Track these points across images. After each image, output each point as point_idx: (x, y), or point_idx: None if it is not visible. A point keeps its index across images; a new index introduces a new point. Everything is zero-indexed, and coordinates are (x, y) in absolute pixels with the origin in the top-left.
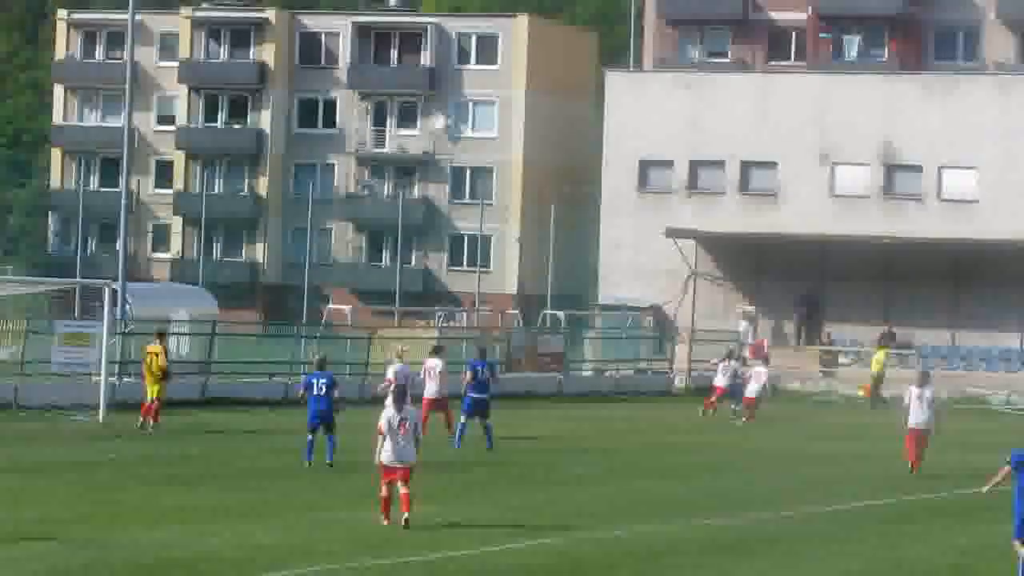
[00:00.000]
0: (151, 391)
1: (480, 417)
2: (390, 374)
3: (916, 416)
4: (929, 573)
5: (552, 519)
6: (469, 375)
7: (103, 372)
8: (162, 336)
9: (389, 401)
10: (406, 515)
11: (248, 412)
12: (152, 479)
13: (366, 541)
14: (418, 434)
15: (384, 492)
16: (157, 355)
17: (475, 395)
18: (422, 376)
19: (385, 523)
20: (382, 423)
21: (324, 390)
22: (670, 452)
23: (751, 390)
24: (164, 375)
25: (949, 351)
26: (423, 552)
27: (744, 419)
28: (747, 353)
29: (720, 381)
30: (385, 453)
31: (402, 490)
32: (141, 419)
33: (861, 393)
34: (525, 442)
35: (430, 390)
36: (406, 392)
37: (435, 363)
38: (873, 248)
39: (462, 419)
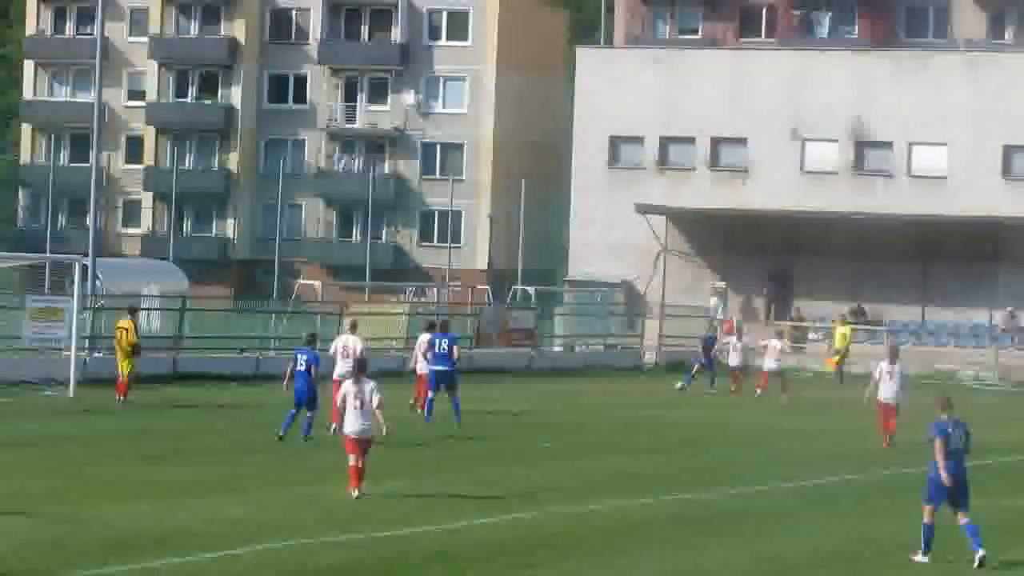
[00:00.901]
0: (122, 367)
1: (448, 390)
2: (337, 345)
3: (886, 391)
4: (901, 548)
5: (523, 494)
6: (426, 347)
7: (73, 347)
8: (134, 311)
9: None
10: (356, 491)
11: (219, 387)
12: (123, 454)
13: (338, 516)
14: (370, 406)
15: (352, 462)
16: (127, 330)
17: (438, 367)
18: (415, 352)
19: (355, 495)
20: (339, 395)
21: (303, 366)
22: (641, 428)
23: (769, 364)
24: (134, 350)
25: (919, 327)
26: (396, 527)
27: (760, 390)
28: (723, 329)
29: (735, 360)
30: (347, 425)
31: (358, 462)
32: (119, 396)
33: (830, 368)
34: (496, 417)
35: (424, 366)
36: (365, 365)
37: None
38: (843, 224)
39: (429, 393)
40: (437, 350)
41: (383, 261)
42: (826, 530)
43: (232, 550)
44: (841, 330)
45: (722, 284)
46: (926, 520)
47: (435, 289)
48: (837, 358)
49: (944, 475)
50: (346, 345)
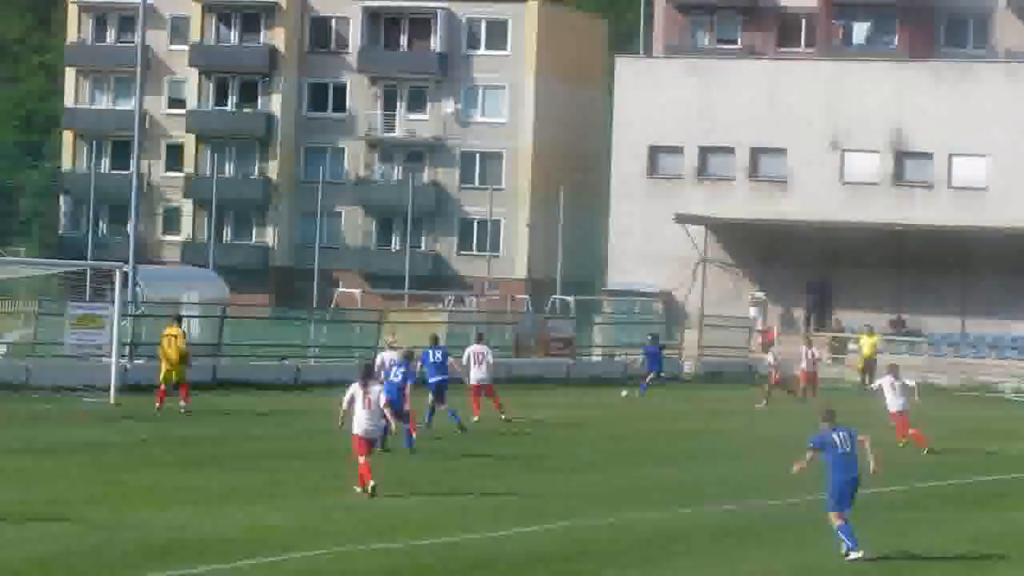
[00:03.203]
0: (171, 375)
1: (438, 402)
2: (384, 359)
3: (893, 403)
4: (939, 560)
5: (561, 504)
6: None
7: (114, 354)
8: (179, 320)
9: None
10: (364, 488)
11: (258, 395)
12: (162, 461)
13: (377, 524)
14: (380, 408)
15: (363, 460)
16: (176, 338)
17: (437, 379)
18: (465, 362)
19: (367, 490)
20: (346, 398)
21: (399, 377)
22: (679, 438)
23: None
24: (184, 358)
25: (959, 339)
26: (434, 535)
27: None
28: (763, 339)
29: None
30: (356, 425)
31: (369, 460)
32: (182, 403)
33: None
34: (535, 427)
35: (475, 376)
36: (372, 370)
37: (481, 349)
38: (883, 235)
39: (433, 403)
40: (431, 360)
41: (422, 270)
42: (863, 541)
43: (271, 557)
44: (870, 340)
45: (761, 295)
46: (838, 524)
47: (473, 298)
48: (860, 366)
49: (796, 467)
50: (478, 353)
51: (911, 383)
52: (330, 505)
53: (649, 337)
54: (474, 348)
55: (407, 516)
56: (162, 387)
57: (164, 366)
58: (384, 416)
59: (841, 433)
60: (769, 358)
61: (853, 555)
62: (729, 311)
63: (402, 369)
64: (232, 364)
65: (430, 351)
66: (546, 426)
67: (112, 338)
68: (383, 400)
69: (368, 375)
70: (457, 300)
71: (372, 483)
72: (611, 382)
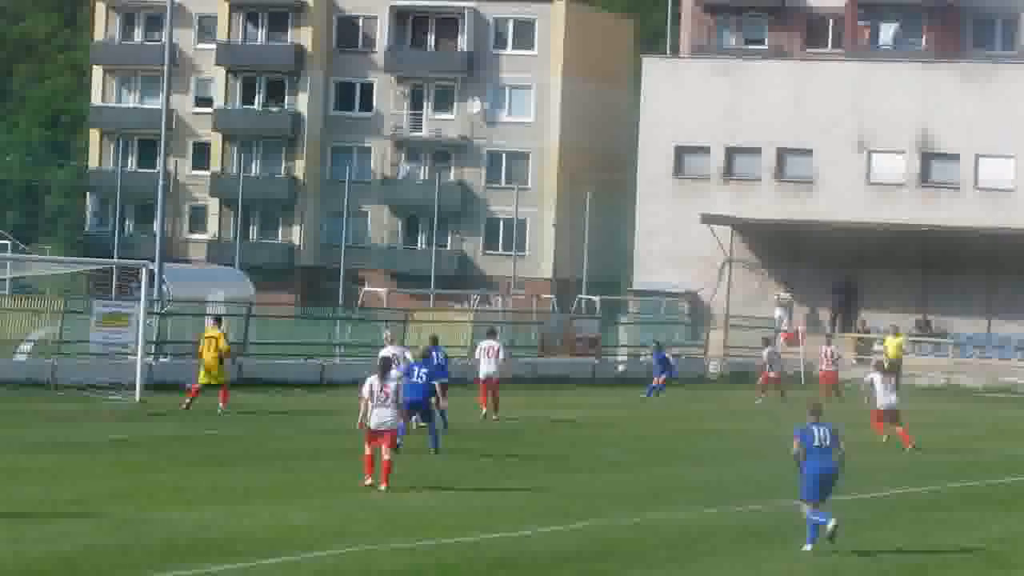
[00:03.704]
0: (211, 376)
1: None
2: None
3: (883, 399)
4: (964, 561)
5: (586, 504)
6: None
7: (139, 352)
8: (219, 321)
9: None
10: (384, 487)
11: (283, 393)
12: (187, 459)
13: (402, 523)
14: (399, 401)
15: (368, 452)
16: (216, 339)
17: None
18: (477, 356)
19: (368, 482)
20: (364, 390)
21: (424, 378)
22: (704, 438)
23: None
24: (223, 359)
25: (984, 340)
26: (458, 534)
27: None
28: (781, 339)
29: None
30: (372, 418)
31: (385, 456)
32: (220, 407)
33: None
34: (559, 426)
35: (485, 370)
36: (390, 364)
37: (493, 344)
38: (909, 236)
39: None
40: (436, 363)
41: (448, 269)
42: (888, 541)
43: (295, 556)
44: (896, 340)
45: (787, 295)
46: (809, 512)
47: (499, 297)
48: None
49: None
50: (488, 348)
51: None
52: (354, 504)
53: (654, 344)
54: (485, 343)
55: (431, 515)
56: (195, 386)
57: (204, 367)
58: (399, 412)
59: (823, 429)
60: (764, 355)
61: (807, 547)
62: (755, 312)
63: (424, 370)
64: (258, 363)
65: (433, 352)
66: (571, 426)
67: (138, 336)
68: (400, 395)
69: (387, 368)
70: (483, 300)
71: (369, 480)
72: (636, 382)
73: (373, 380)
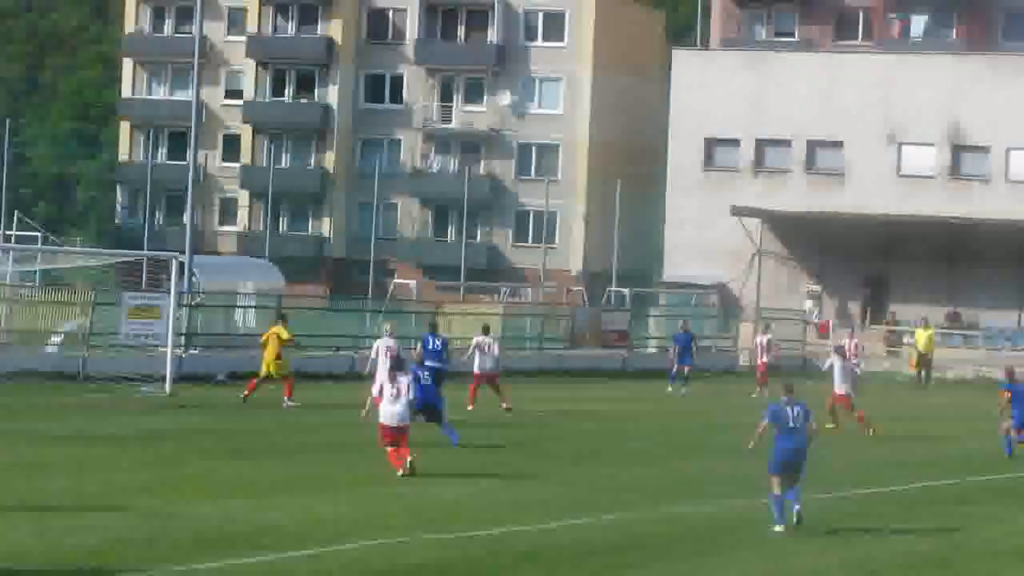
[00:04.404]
0: (272, 369)
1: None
2: (379, 346)
3: (840, 386)
4: (992, 555)
5: (612, 496)
6: (419, 348)
7: (169, 344)
8: (283, 317)
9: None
10: (400, 470)
11: (312, 385)
12: (215, 451)
13: (429, 515)
14: (410, 398)
15: (389, 448)
16: (278, 333)
17: (431, 364)
18: (472, 352)
19: (400, 472)
20: (375, 388)
21: (430, 381)
22: (733, 430)
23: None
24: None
25: (1014, 332)
26: (486, 527)
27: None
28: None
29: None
30: (383, 415)
31: (402, 450)
32: (286, 397)
33: (912, 370)
34: (588, 418)
35: (480, 365)
36: (403, 361)
37: (487, 339)
38: (939, 229)
39: None
40: (431, 347)
41: (478, 261)
42: (917, 534)
43: (322, 548)
44: (927, 333)
45: (816, 288)
46: (775, 491)
47: (529, 290)
48: (916, 360)
49: (750, 444)
50: (389, 347)
51: (858, 370)
52: (381, 496)
53: (680, 324)
54: (482, 339)
55: (457, 508)
56: (255, 381)
57: (265, 361)
58: (410, 408)
59: (796, 409)
60: (759, 340)
61: (777, 528)
62: (785, 304)
63: (427, 372)
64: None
65: (430, 338)
66: (598, 418)
67: (168, 328)
68: (413, 392)
69: (398, 367)
70: (512, 292)
71: (409, 459)
72: (666, 374)
73: (384, 380)
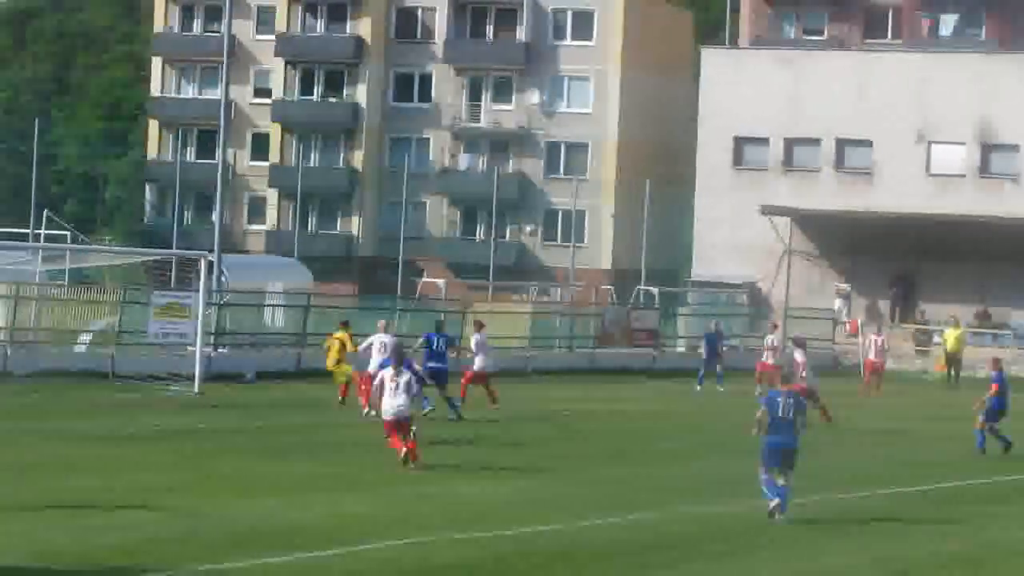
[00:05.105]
0: (342, 376)
1: (438, 388)
2: (373, 341)
3: (810, 378)
4: (1021, 555)
5: (645, 495)
6: (422, 344)
7: (198, 343)
8: (347, 323)
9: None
10: (413, 463)
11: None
12: (246, 450)
13: (460, 514)
14: (412, 392)
15: (392, 440)
16: (342, 339)
17: (433, 364)
18: (476, 350)
19: (409, 461)
20: (376, 383)
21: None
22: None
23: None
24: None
25: None
26: (515, 526)
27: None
28: (849, 330)
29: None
30: (386, 410)
31: (403, 441)
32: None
33: (939, 372)
34: (617, 417)
35: (479, 363)
36: (402, 355)
37: (484, 338)
38: (969, 227)
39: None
40: (436, 348)
41: (506, 260)
42: (948, 533)
43: (354, 547)
44: (957, 333)
45: (846, 286)
46: (763, 477)
47: (558, 288)
48: (943, 360)
49: (754, 430)
50: (383, 342)
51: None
52: (412, 495)
53: (710, 324)
54: (480, 336)
55: (488, 506)
56: (344, 386)
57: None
58: (412, 401)
59: (789, 399)
60: (769, 340)
61: (772, 504)
62: (814, 303)
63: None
64: (316, 353)
65: (435, 337)
66: (628, 417)
67: (197, 327)
68: (416, 388)
69: (400, 362)
70: (541, 291)
71: (403, 450)
72: (695, 373)
73: (387, 373)
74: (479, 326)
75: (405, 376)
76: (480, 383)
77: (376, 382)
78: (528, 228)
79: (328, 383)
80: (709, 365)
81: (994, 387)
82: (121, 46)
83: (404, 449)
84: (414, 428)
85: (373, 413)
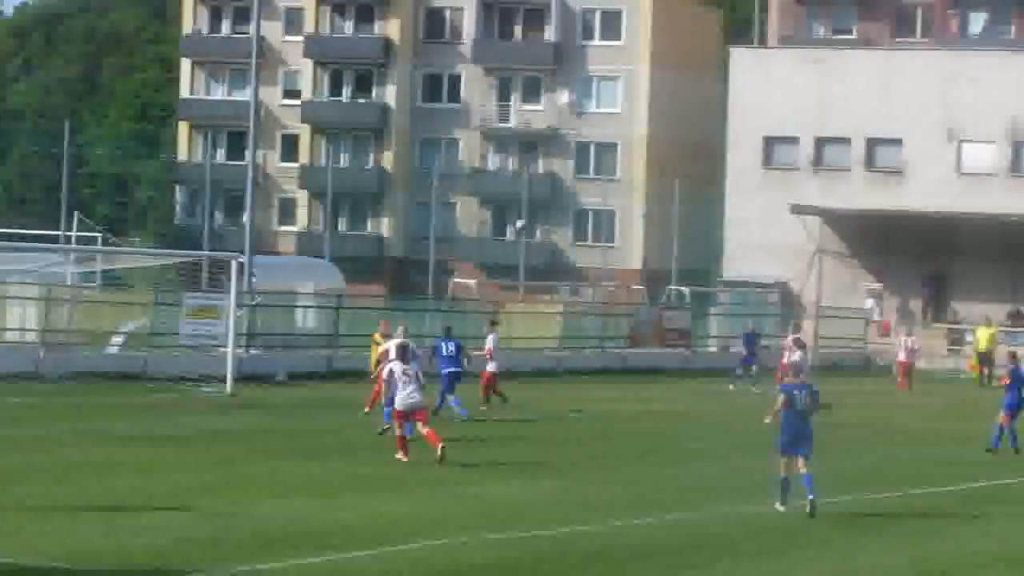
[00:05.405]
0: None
1: (451, 391)
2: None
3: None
4: None
5: (678, 495)
6: (431, 352)
7: (230, 344)
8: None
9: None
10: (438, 451)
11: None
12: (278, 451)
13: (496, 514)
14: (421, 382)
15: (399, 432)
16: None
17: (450, 369)
18: (492, 349)
19: (404, 460)
20: (385, 373)
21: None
22: None
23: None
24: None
25: None
26: (550, 526)
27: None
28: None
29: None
30: (398, 400)
31: (423, 430)
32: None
33: (973, 372)
34: (650, 417)
35: (492, 365)
36: (409, 349)
37: (494, 338)
38: (1000, 226)
39: (444, 392)
40: (445, 353)
41: (537, 260)
42: (985, 532)
43: (390, 547)
44: (989, 332)
45: (877, 286)
46: (781, 472)
47: (589, 288)
48: (975, 360)
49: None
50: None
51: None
52: (446, 495)
53: (748, 324)
54: (494, 337)
55: (523, 507)
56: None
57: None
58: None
59: (803, 392)
60: (787, 342)
61: (778, 506)
62: (846, 302)
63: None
64: (348, 354)
65: (443, 343)
66: (661, 417)
67: (228, 328)
68: (421, 377)
69: (404, 355)
70: (572, 291)
71: (405, 458)
72: (727, 373)
73: (396, 365)
74: (492, 325)
75: (415, 367)
76: (489, 382)
77: (385, 376)
78: (519, 223)
79: (359, 384)
80: (748, 364)
81: (1004, 379)
82: (151, 48)
83: (403, 440)
84: (421, 422)
85: (367, 411)
